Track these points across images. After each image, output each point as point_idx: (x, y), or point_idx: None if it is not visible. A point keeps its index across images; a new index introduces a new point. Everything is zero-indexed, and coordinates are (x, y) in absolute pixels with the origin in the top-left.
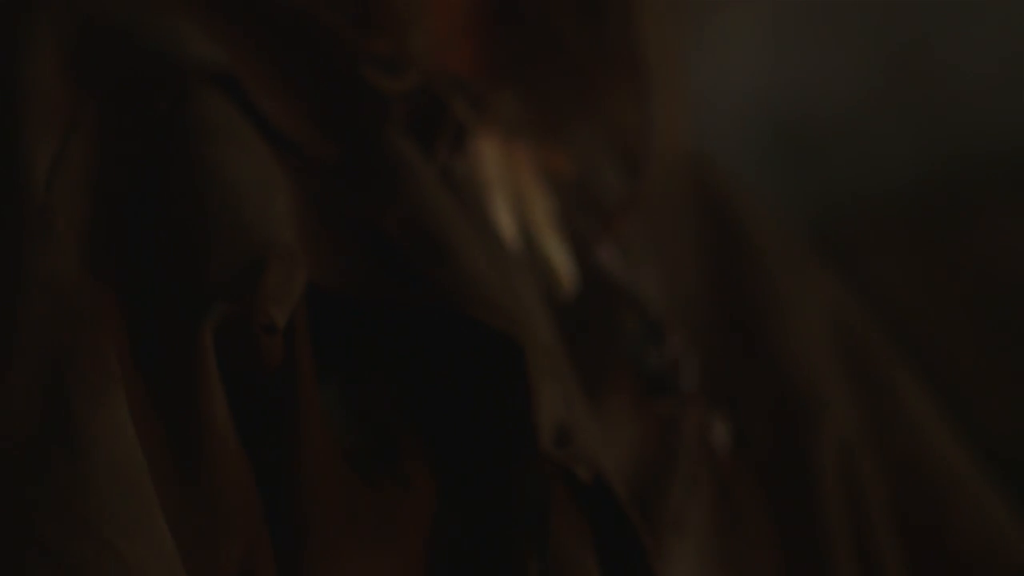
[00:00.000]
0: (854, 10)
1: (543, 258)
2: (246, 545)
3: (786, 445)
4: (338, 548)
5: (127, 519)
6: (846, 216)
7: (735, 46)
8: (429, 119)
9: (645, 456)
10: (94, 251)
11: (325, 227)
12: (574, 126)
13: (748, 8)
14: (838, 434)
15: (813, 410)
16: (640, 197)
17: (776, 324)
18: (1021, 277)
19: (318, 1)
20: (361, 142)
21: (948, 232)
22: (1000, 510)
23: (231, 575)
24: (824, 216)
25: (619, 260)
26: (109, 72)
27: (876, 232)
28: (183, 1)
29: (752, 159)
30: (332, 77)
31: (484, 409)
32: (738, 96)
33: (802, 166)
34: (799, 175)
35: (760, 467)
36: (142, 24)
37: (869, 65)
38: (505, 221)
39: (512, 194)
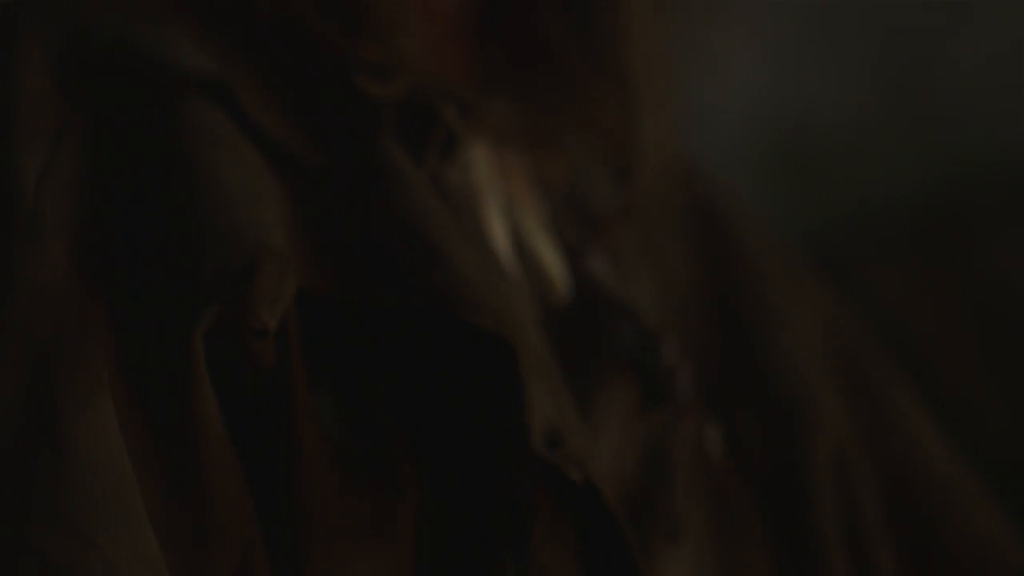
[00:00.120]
0: (854, 28)
1: (536, 263)
2: (240, 549)
3: (780, 453)
4: (333, 552)
5: (112, 520)
6: (846, 232)
7: (736, 63)
8: (420, 126)
9: (643, 462)
10: (83, 256)
11: (315, 232)
12: (564, 135)
13: (748, 26)
14: (831, 442)
15: (806, 418)
16: (630, 206)
17: (769, 333)
18: (1022, 291)
19: (307, 9)
20: (351, 148)
21: (949, 247)
22: (993, 516)
23: None
24: (824, 232)
25: (610, 268)
26: (99, 80)
27: (877, 248)
28: (172, 11)
29: (753, 175)
30: (322, 84)
31: (474, 412)
32: (739, 113)
33: (802, 182)
34: (799, 191)
35: (754, 475)
36: (132, 33)
37: (869, 82)
38: (497, 227)
39: (504, 201)
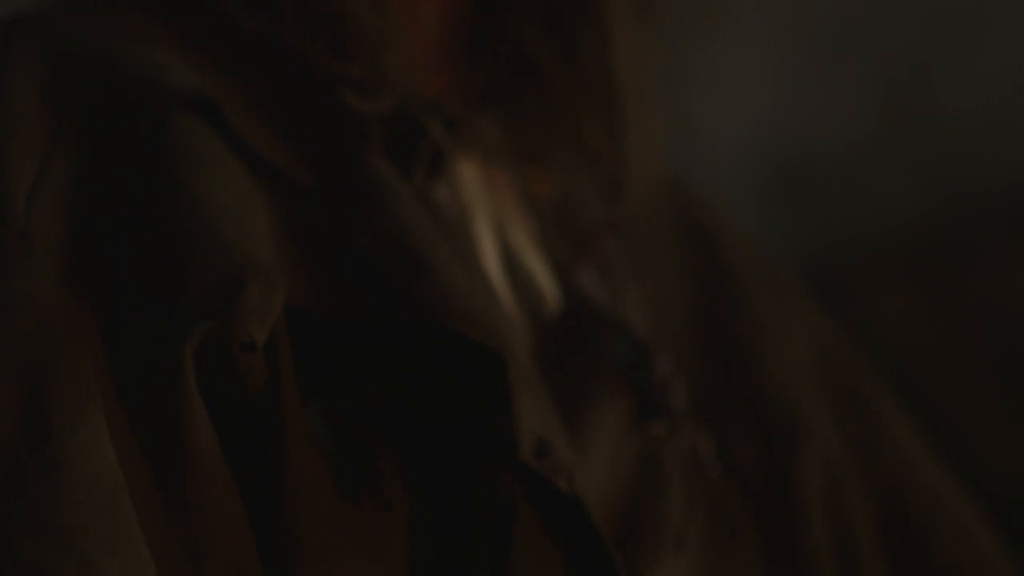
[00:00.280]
0: (853, 50)
1: (526, 279)
2: (231, 561)
3: (772, 468)
4: (324, 566)
5: (105, 534)
6: (845, 254)
7: (737, 87)
8: (407, 141)
9: (637, 475)
10: (73, 272)
11: (303, 247)
12: (551, 151)
13: (748, 48)
14: (823, 457)
15: (797, 434)
16: (618, 222)
17: (761, 350)
18: (1020, 314)
19: (293, 27)
20: (338, 163)
21: (947, 270)
22: (983, 532)
23: None
24: (823, 254)
25: (599, 283)
26: (88, 98)
27: (875, 269)
28: (161, 30)
29: (752, 197)
30: (309, 100)
31: (461, 425)
32: (738, 135)
33: (802, 204)
34: (799, 213)
35: (747, 489)
36: (120, 53)
37: (869, 104)
38: (486, 243)
39: (493, 216)
